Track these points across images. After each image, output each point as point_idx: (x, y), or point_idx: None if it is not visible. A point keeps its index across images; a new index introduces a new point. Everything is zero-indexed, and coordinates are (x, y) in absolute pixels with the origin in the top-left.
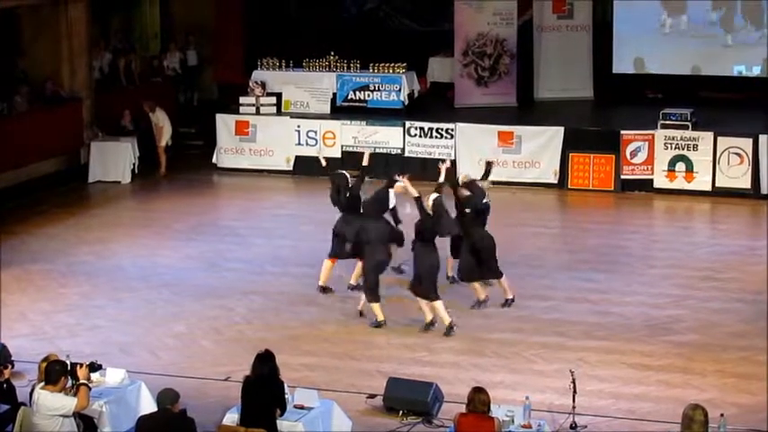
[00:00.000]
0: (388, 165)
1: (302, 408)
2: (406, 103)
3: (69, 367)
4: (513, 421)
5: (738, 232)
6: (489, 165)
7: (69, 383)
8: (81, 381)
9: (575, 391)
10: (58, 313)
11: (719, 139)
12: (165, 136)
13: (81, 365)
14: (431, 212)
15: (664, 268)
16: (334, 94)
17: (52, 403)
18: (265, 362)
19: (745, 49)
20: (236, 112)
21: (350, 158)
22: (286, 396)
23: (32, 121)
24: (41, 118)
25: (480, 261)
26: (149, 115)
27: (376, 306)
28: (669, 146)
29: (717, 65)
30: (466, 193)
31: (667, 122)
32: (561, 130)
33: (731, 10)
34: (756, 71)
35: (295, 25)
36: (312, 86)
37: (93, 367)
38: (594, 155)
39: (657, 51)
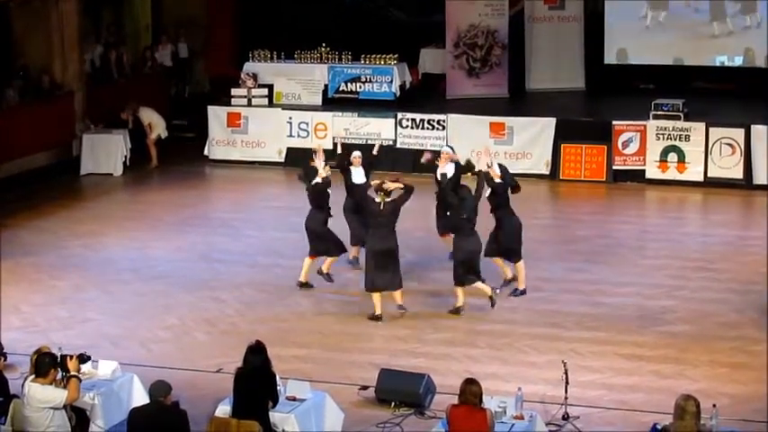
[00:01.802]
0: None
1: (294, 399)
2: (398, 94)
3: (59, 359)
4: (505, 412)
5: (731, 223)
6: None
7: (59, 375)
8: (72, 373)
9: (567, 382)
10: (50, 306)
11: (711, 129)
12: (155, 130)
13: (71, 357)
14: (501, 181)
15: (656, 259)
16: (326, 86)
17: (43, 396)
18: (257, 353)
19: (727, 39)
20: (228, 104)
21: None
22: (278, 388)
23: (24, 114)
24: (33, 111)
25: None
26: (137, 116)
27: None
28: (661, 136)
29: (699, 56)
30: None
31: (659, 113)
32: (553, 120)
33: (712, 1)
34: (738, 61)
35: (286, 17)
36: (304, 78)
37: (83, 359)
38: (586, 146)
39: (639, 43)
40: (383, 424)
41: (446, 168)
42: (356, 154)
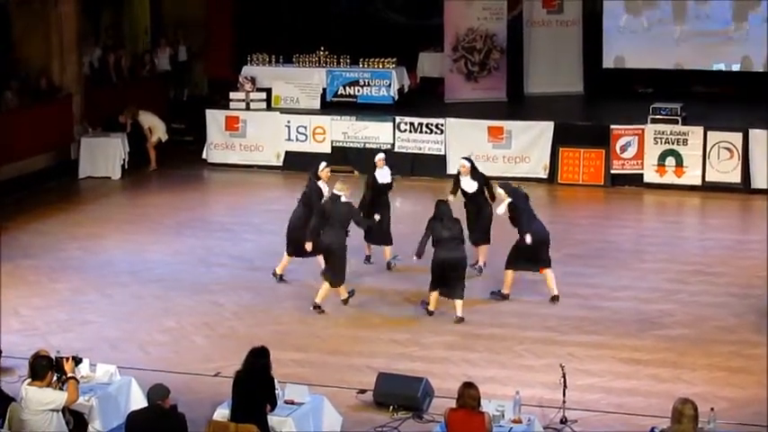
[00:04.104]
0: None
1: (292, 403)
2: (396, 98)
3: (54, 361)
4: (503, 416)
5: (728, 227)
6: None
7: (55, 378)
8: (69, 374)
9: (565, 386)
10: (48, 309)
11: (709, 133)
12: (155, 133)
13: (66, 359)
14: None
15: (654, 263)
16: (324, 90)
17: (42, 398)
18: (258, 358)
19: (724, 46)
20: (226, 107)
21: (339, 154)
22: (276, 391)
23: (23, 116)
24: (32, 114)
25: None
26: (136, 121)
27: None
28: (659, 140)
29: (696, 62)
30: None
31: (657, 117)
32: (551, 124)
33: (707, 8)
34: (736, 69)
35: (285, 20)
36: (302, 82)
37: (76, 360)
38: (584, 150)
39: (637, 47)
40: (381, 427)
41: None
42: (380, 156)
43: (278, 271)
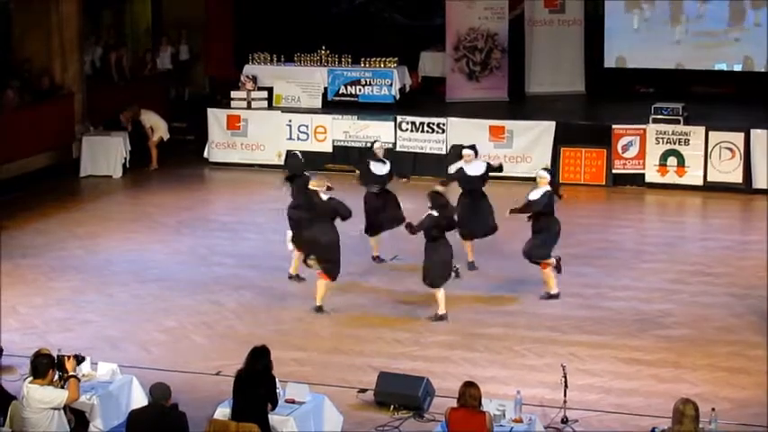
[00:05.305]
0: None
1: (293, 402)
2: (398, 97)
3: (56, 360)
4: (504, 416)
5: (730, 227)
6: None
7: (56, 376)
8: (70, 373)
9: (566, 386)
10: (48, 308)
11: (711, 133)
12: (157, 132)
13: (68, 358)
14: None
15: (655, 263)
16: (326, 89)
17: (42, 396)
18: (260, 357)
19: (726, 46)
20: (228, 106)
21: (341, 153)
22: (277, 391)
23: (24, 115)
24: (33, 113)
25: None
26: (138, 120)
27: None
28: (661, 140)
29: (698, 62)
30: None
31: (659, 117)
32: (552, 124)
33: (710, 8)
34: (738, 69)
35: (286, 19)
36: (303, 81)
37: (78, 359)
38: (586, 149)
39: (639, 47)
40: (382, 427)
41: (473, 166)
42: (377, 145)
43: (291, 271)
